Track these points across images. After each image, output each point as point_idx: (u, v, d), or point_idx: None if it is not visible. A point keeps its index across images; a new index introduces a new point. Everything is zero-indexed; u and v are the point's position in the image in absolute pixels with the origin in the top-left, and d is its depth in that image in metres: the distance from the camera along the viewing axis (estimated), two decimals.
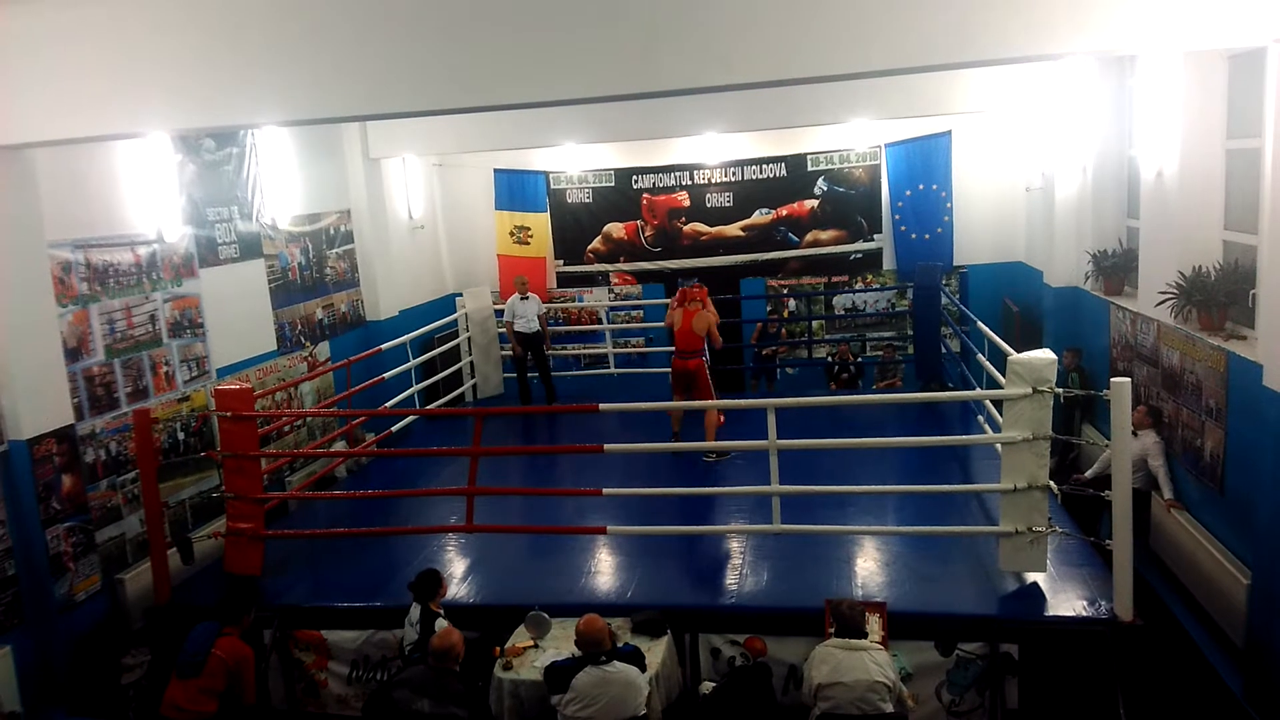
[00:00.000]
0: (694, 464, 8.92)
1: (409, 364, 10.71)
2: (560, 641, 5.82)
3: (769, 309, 13.45)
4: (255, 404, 7.29)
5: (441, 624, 5.70)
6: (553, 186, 13.47)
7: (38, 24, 5.75)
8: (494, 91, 5.62)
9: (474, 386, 12.12)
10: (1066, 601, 5.97)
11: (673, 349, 9.40)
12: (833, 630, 5.45)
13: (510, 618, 6.11)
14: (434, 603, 5.93)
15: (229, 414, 7.00)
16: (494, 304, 12.46)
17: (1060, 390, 6.07)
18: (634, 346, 13.42)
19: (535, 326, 11.42)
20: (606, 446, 7.38)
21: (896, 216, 12.81)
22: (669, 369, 9.50)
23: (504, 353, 12.09)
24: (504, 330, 11.66)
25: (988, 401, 8.28)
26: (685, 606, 6.28)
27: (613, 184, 13.39)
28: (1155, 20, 4.94)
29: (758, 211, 13.17)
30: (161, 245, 7.82)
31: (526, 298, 11.42)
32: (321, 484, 8.81)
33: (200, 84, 5.74)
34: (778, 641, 5.99)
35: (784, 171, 13.01)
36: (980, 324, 9.45)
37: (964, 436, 8.72)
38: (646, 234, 13.45)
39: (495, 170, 13.34)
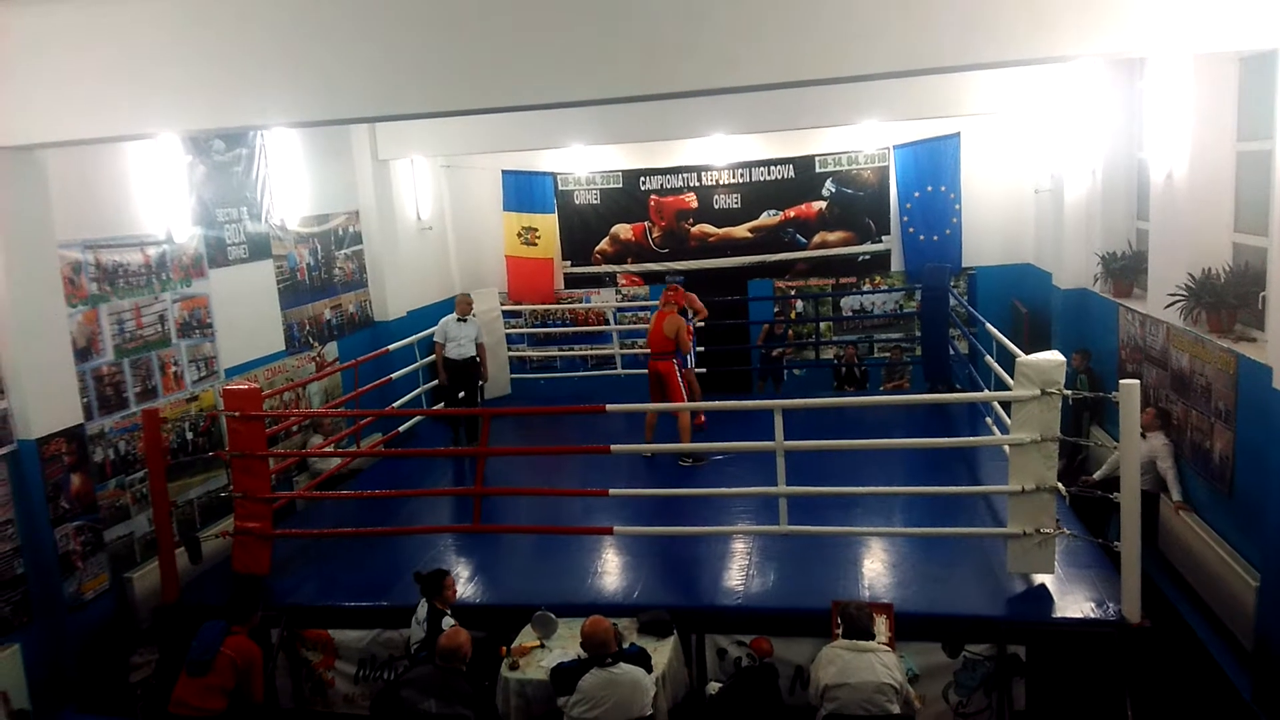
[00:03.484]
0: (703, 465, 8.94)
1: (416, 364, 10.75)
2: (567, 641, 5.83)
3: (776, 310, 13.43)
4: (263, 404, 7.32)
5: (449, 623, 5.71)
6: (560, 188, 13.48)
7: (48, 25, 5.78)
8: (502, 93, 5.64)
9: (481, 387, 12.13)
10: (1074, 603, 5.95)
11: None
12: (840, 631, 5.46)
13: (517, 618, 6.13)
14: (440, 600, 5.94)
15: (237, 414, 7.02)
16: (501, 305, 12.49)
17: (1069, 392, 6.06)
18: (641, 347, 13.39)
19: (470, 352, 10.27)
20: (613, 447, 7.39)
21: (905, 218, 12.79)
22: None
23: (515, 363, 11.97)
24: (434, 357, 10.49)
25: (996, 403, 8.28)
26: (691, 607, 6.28)
27: (620, 185, 13.40)
28: (1165, 23, 4.93)
29: (765, 213, 13.17)
30: (171, 246, 7.85)
31: (464, 320, 10.25)
32: (329, 484, 8.83)
33: (210, 85, 5.76)
34: (784, 642, 5.97)
35: (792, 173, 13.00)
36: (988, 325, 9.42)
37: (972, 438, 8.69)
38: (654, 235, 13.46)
39: (503, 171, 13.34)
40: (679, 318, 9.31)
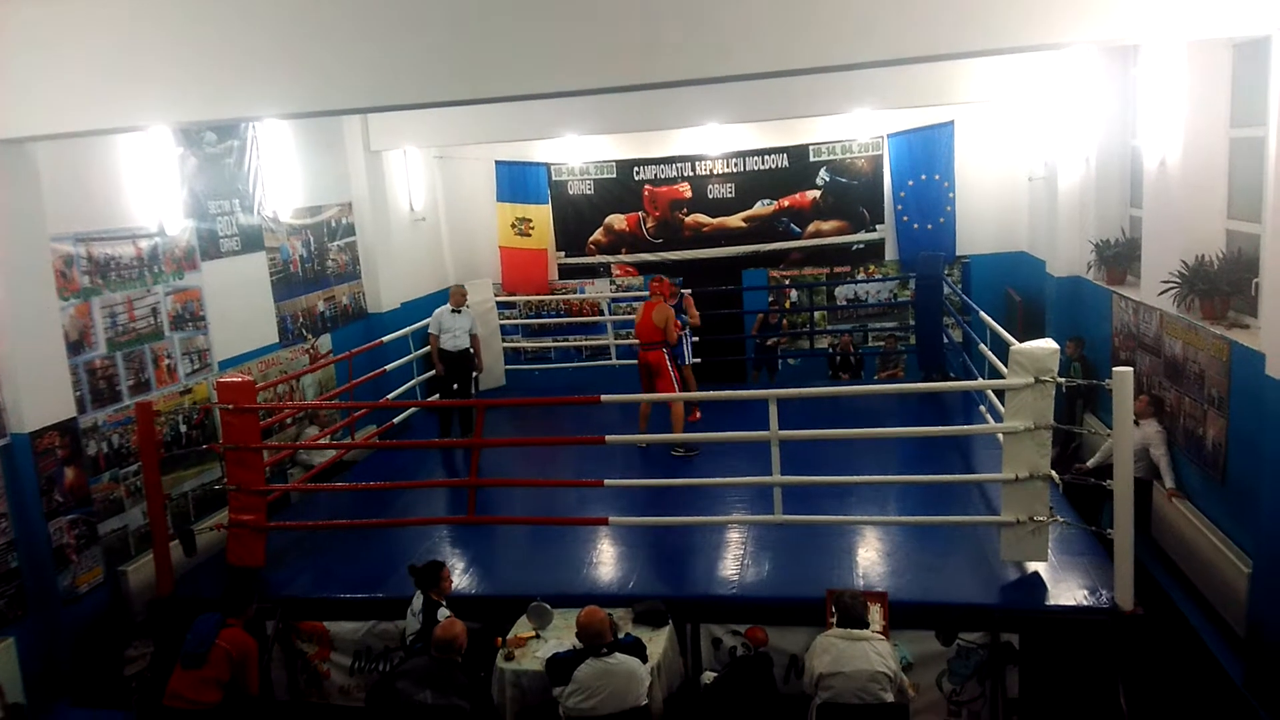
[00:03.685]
0: (695, 455, 8.94)
1: (410, 356, 10.74)
2: (562, 632, 5.84)
3: (771, 300, 13.43)
4: (257, 396, 7.31)
5: (444, 614, 5.72)
6: (554, 178, 13.45)
7: (40, 18, 5.75)
8: (495, 83, 5.62)
9: (476, 378, 12.11)
10: (1068, 591, 5.97)
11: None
12: (834, 620, 5.46)
13: (512, 608, 6.13)
14: (436, 593, 5.94)
15: (231, 406, 7.01)
16: (496, 296, 12.48)
17: (1062, 380, 6.07)
18: (635, 338, 13.39)
19: (464, 344, 10.24)
20: (608, 438, 7.39)
21: (899, 207, 12.77)
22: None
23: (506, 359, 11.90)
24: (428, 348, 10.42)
25: (990, 391, 8.29)
26: (687, 597, 6.30)
27: (614, 175, 13.37)
28: (1158, 9, 4.92)
29: (760, 202, 13.14)
30: (163, 238, 7.82)
31: (459, 311, 10.23)
32: (323, 476, 8.82)
33: (202, 77, 5.74)
34: (779, 631, 6.00)
35: (786, 162, 12.97)
36: (982, 314, 9.44)
37: (966, 426, 8.71)
38: (648, 225, 13.44)
39: (496, 162, 13.32)
40: (667, 307, 9.27)
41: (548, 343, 13.67)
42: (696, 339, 10.98)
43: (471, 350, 10.40)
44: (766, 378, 13.22)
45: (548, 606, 6.03)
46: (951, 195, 12.53)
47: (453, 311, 10.26)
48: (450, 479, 8.96)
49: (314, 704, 6.70)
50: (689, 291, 10.92)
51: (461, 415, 10.30)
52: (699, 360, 11.05)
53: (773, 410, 6.57)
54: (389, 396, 10.13)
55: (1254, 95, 6.56)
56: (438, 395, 10.44)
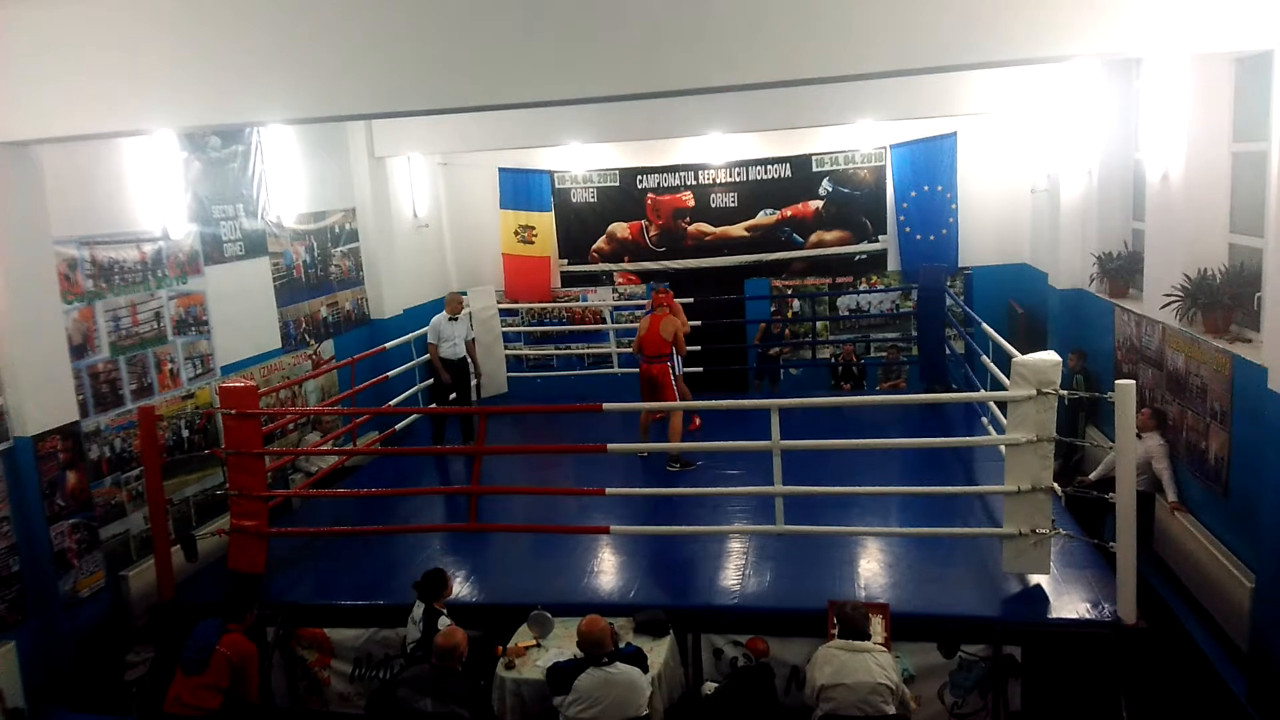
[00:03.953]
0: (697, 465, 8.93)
1: (413, 362, 10.74)
2: (563, 641, 5.82)
3: (773, 309, 13.44)
4: (259, 402, 7.30)
5: (445, 623, 5.71)
6: (557, 186, 13.48)
7: (45, 21, 5.76)
8: (500, 90, 5.64)
9: (478, 385, 12.12)
10: (1070, 604, 5.96)
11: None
12: (835, 631, 5.45)
13: (513, 617, 6.12)
14: (438, 602, 5.93)
15: (233, 411, 7.01)
16: (498, 303, 12.48)
17: (1065, 392, 6.07)
18: (637, 350, 13.36)
19: (462, 351, 10.28)
20: (610, 446, 7.38)
21: (901, 218, 12.79)
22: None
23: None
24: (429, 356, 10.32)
25: (992, 403, 8.28)
26: (688, 607, 6.28)
27: (617, 184, 13.39)
28: (1162, 23, 4.94)
29: (762, 212, 13.16)
30: (167, 242, 7.84)
31: (455, 319, 10.25)
32: (325, 482, 8.81)
33: (207, 81, 5.75)
34: (780, 642, 5.98)
35: (789, 172, 13.00)
36: (985, 325, 9.44)
37: (968, 438, 8.70)
38: (651, 234, 13.45)
39: (500, 169, 13.34)
40: (674, 319, 9.25)
41: (550, 350, 13.68)
42: (698, 348, 10.97)
43: (469, 357, 10.40)
44: (768, 387, 13.22)
45: (548, 615, 6.01)
46: (954, 206, 12.54)
47: (450, 319, 10.26)
48: (452, 486, 8.95)
49: (314, 711, 6.68)
50: (690, 301, 10.91)
51: (463, 422, 10.29)
52: (700, 369, 11.04)
53: (774, 420, 6.56)
54: (391, 403, 10.13)
55: (1256, 110, 6.58)
56: (434, 404, 10.43)
